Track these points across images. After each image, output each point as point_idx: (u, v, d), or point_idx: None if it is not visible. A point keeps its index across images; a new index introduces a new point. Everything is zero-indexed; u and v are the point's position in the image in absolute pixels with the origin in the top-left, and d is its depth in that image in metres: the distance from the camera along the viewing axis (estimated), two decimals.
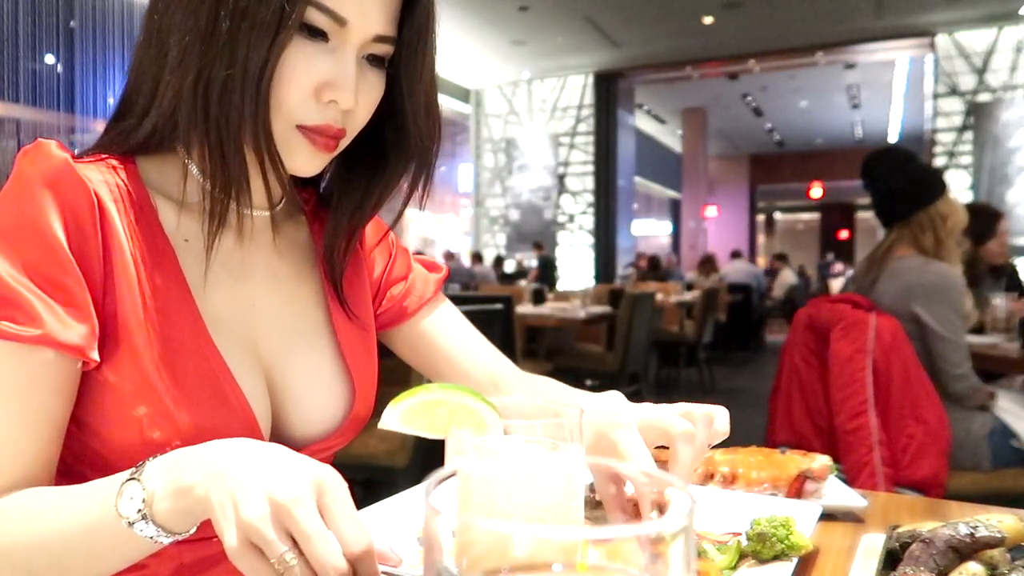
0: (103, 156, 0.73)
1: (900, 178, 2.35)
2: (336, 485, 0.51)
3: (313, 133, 0.69)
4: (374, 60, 0.72)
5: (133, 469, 0.56)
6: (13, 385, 0.63)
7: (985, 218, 2.91)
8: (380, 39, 0.70)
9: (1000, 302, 2.93)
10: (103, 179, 0.70)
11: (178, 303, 0.71)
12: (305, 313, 0.83)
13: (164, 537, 0.55)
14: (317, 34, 0.67)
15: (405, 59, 0.75)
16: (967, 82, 9.19)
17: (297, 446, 0.76)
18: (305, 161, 0.72)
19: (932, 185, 2.34)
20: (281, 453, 0.54)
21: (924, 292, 2.21)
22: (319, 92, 0.68)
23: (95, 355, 0.65)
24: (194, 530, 0.56)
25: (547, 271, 10.31)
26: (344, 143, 0.74)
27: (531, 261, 11.25)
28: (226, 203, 0.71)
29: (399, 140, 0.80)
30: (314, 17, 0.66)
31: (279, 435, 0.78)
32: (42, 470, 0.65)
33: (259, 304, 0.79)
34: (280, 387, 0.78)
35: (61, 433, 0.66)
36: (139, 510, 0.54)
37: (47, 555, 0.58)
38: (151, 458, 0.57)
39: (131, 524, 0.54)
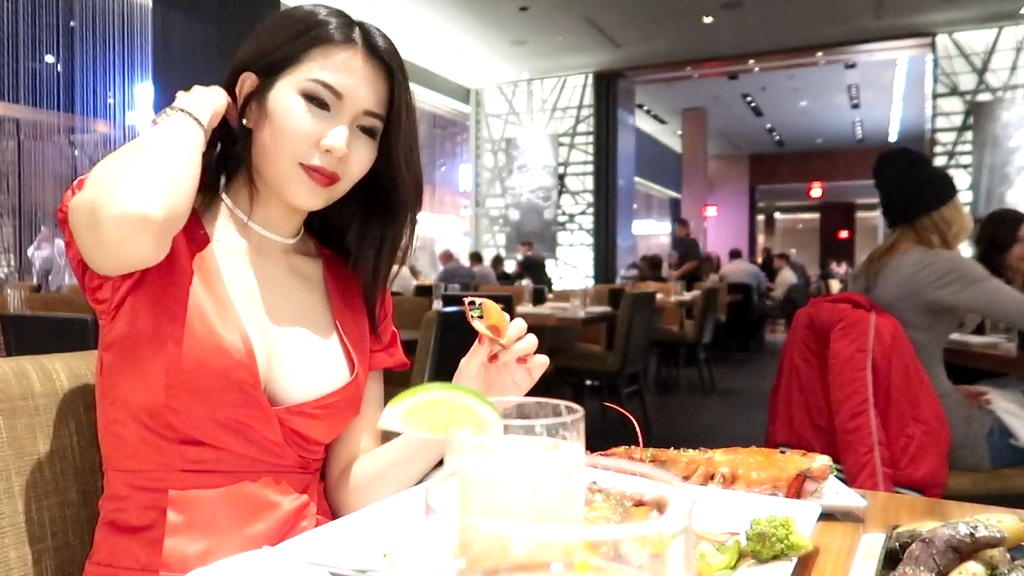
0: None
1: (907, 181, 2.34)
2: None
3: (311, 171, 0.90)
4: (366, 131, 0.93)
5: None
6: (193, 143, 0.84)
7: (1006, 224, 2.82)
8: (369, 113, 0.92)
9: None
10: None
11: (207, 270, 0.89)
12: (312, 315, 0.98)
13: (190, 116, 0.85)
14: (323, 104, 0.90)
15: (393, 133, 0.95)
16: (967, 82, 9.19)
17: (296, 401, 0.90)
18: (306, 193, 0.91)
19: (939, 190, 2.32)
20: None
21: (940, 276, 2.17)
22: (318, 141, 0.89)
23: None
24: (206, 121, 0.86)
25: (533, 272, 10.13)
26: (341, 187, 0.93)
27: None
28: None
29: (396, 196, 0.99)
30: (319, 90, 0.89)
31: (274, 391, 0.90)
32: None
33: (270, 297, 0.95)
34: (281, 352, 0.92)
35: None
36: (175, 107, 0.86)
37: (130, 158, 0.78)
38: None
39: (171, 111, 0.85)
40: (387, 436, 1.00)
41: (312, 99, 0.89)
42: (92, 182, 0.76)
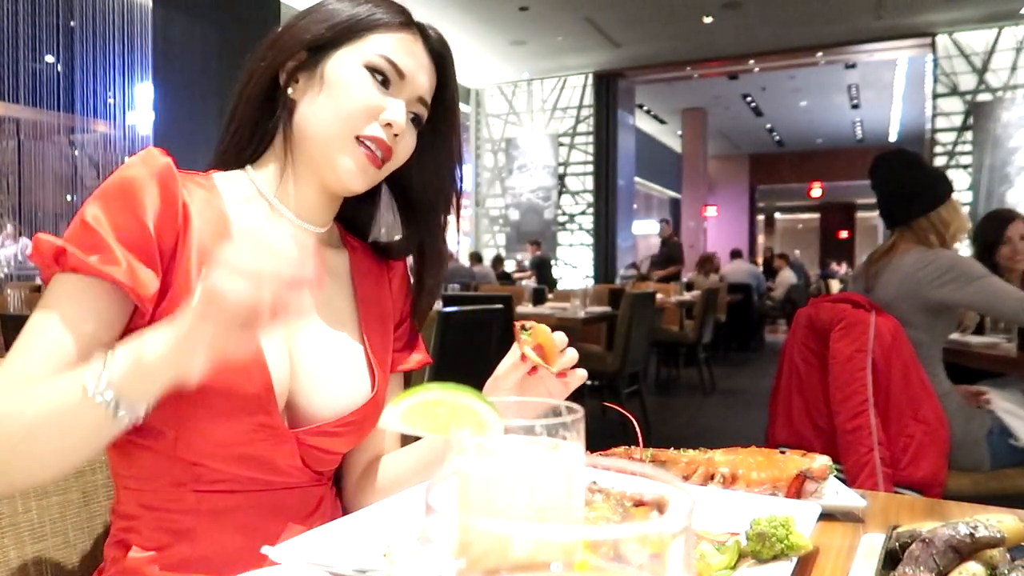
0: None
1: (904, 182, 2.35)
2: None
3: (367, 142, 0.87)
4: (414, 119, 0.92)
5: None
6: (74, 312, 0.75)
7: (995, 224, 2.82)
8: (421, 100, 0.92)
9: None
10: (190, 182, 0.85)
11: None
12: (338, 318, 0.94)
13: (119, 410, 0.66)
14: (384, 81, 0.88)
15: (446, 128, 0.97)
16: (967, 82, 9.19)
17: (311, 423, 0.87)
18: (354, 172, 0.87)
19: (936, 191, 2.32)
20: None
21: (939, 275, 2.18)
22: (378, 114, 0.88)
23: (149, 305, 0.77)
24: (142, 415, 0.68)
25: (544, 271, 10.22)
26: (385, 170, 0.91)
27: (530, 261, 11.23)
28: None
29: (436, 197, 0.99)
30: (385, 66, 0.88)
31: (295, 409, 0.87)
32: None
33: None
34: (303, 367, 0.88)
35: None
36: (101, 376, 0.65)
37: (25, 423, 0.67)
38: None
39: (95, 391, 0.64)
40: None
41: (375, 74, 0.87)
42: None
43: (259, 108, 0.90)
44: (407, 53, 0.89)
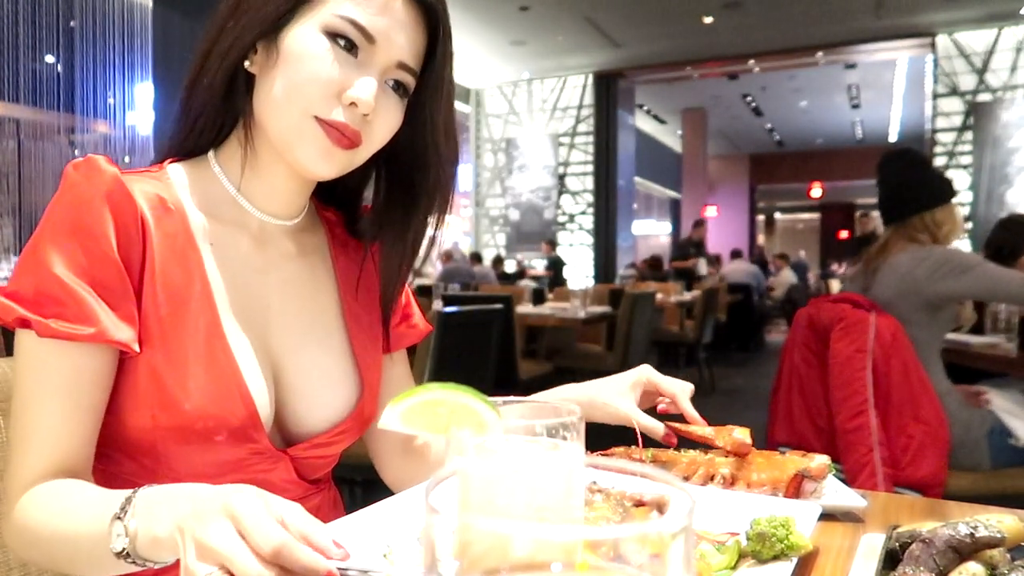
0: (151, 168, 0.82)
1: (904, 180, 2.35)
2: (240, 502, 0.54)
3: (329, 127, 0.75)
4: (397, 87, 0.80)
5: (124, 500, 0.62)
6: (62, 381, 0.70)
7: (1017, 232, 2.78)
8: (403, 66, 0.78)
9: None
10: (143, 189, 0.77)
11: (198, 302, 0.77)
12: (320, 316, 0.88)
13: (152, 565, 0.61)
14: (351, 48, 0.75)
15: (429, 95, 0.83)
16: (967, 82, 9.19)
17: (303, 437, 0.84)
18: (319, 155, 0.76)
19: (935, 192, 2.33)
20: (205, 494, 0.57)
21: (936, 269, 2.18)
22: (341, 92, 0.75)
23: (137, 348, 0.73)
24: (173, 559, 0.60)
25: (559, 271, 10.30)
26: (361, 154, 0.79)
27: (533, 261, 11.23)
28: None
29: (425, 177, 0.87)
30: (348, 29, 0.75)
31: (284, 425, 0.83)
32: (82, 456, 0.72)
33: (275, 305, 0.84)
34: (288, 382, 0.83)
35: (100, 420, 0.74)
36: (124, 549, 0.60)
37: (62, 551, 0.66)
38: (137, 491, 0.62)
39: (120, 556, 0.60)
40: None
41: (338, 40, 0.75)
42: (19, 546, 0.70)
43: (221, 89, 0.79)
44: (378, 11, 0.75)
